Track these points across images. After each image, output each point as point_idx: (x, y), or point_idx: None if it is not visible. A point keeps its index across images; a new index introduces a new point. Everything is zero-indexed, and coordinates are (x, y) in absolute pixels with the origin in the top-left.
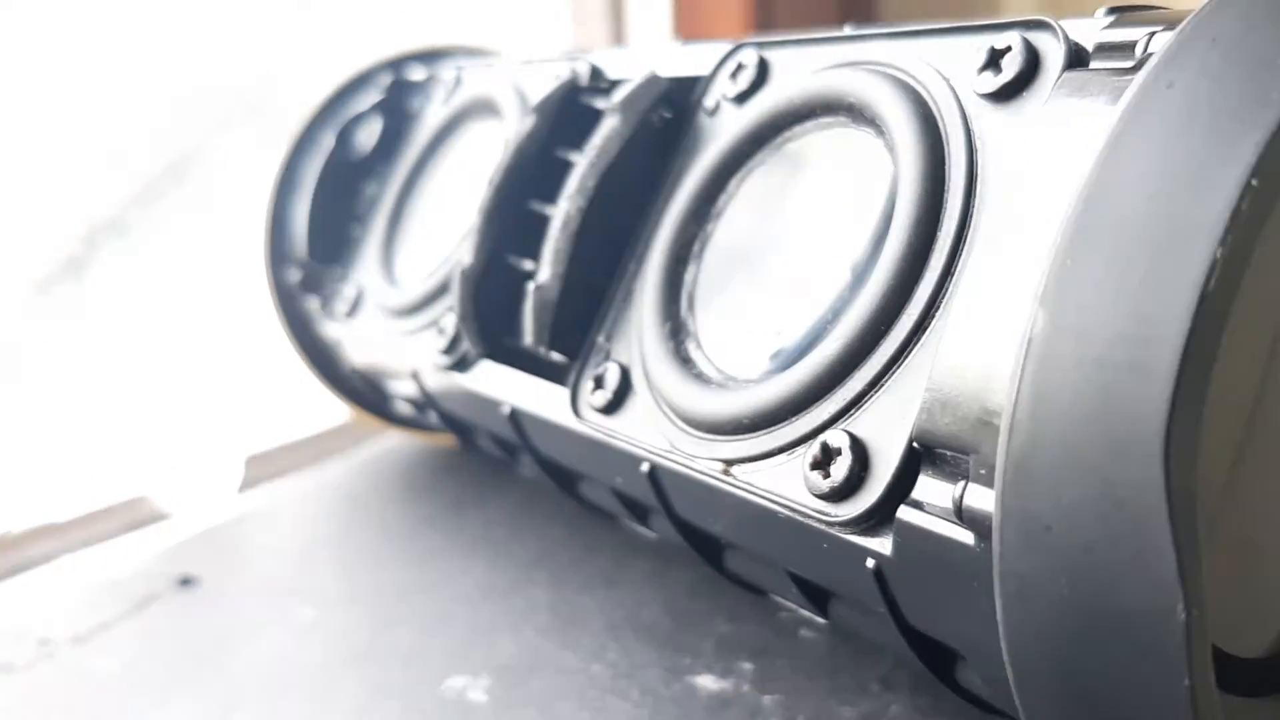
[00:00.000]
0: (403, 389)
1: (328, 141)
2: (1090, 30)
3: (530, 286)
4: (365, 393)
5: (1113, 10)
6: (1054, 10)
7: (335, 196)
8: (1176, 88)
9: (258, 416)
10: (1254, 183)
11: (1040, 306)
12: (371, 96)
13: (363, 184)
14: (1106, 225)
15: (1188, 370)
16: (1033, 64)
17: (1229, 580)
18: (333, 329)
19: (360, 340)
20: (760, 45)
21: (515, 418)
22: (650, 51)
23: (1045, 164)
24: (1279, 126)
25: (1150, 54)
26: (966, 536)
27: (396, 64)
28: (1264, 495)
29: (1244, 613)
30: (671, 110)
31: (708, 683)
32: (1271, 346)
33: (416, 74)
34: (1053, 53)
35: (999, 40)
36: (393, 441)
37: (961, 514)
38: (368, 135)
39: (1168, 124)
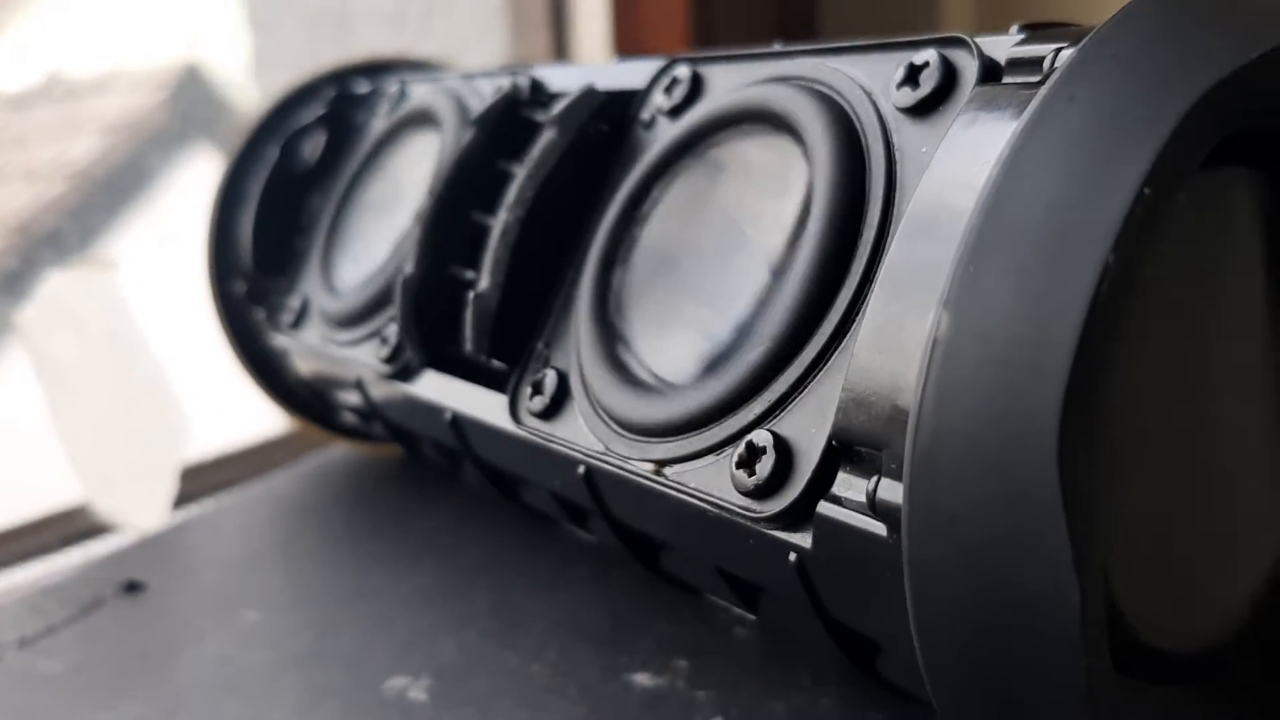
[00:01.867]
0: (347, 399)
1: (271, 154)
2: (1003, 47)
3: (470, 295)
4: (311, 404)
5: (1025, 27)
6: (991, 26)
7: (280, 209)
8: (1077, 100)
9: (199, 428)
10: (1146, 191)
11: (944, 310)
12: (315, 109)
13: (307, 196)
14: (1006, 232)
15: (1080, 371)
16: (949, 79)
17: (1159, 574)
18: (279, 340)
19: (305, 351)
20: (693, 61)
21: (457, 424)
22: (589, 67)
23: (955, 173)
24: (1172, 136)
25: (1056, 69)
26: (880, 529)
27: (340, 76)
28: (1203, 494)
29: (1180, 608)
30: (608, 123)
31: (643, 680)
32: (1197, 345)
33: (360, 87)
34: (968, 68)
35: (917, 57)
36: (338, 452)
37: (875, 507)
38: (312, 148)
39: (1067, 135)
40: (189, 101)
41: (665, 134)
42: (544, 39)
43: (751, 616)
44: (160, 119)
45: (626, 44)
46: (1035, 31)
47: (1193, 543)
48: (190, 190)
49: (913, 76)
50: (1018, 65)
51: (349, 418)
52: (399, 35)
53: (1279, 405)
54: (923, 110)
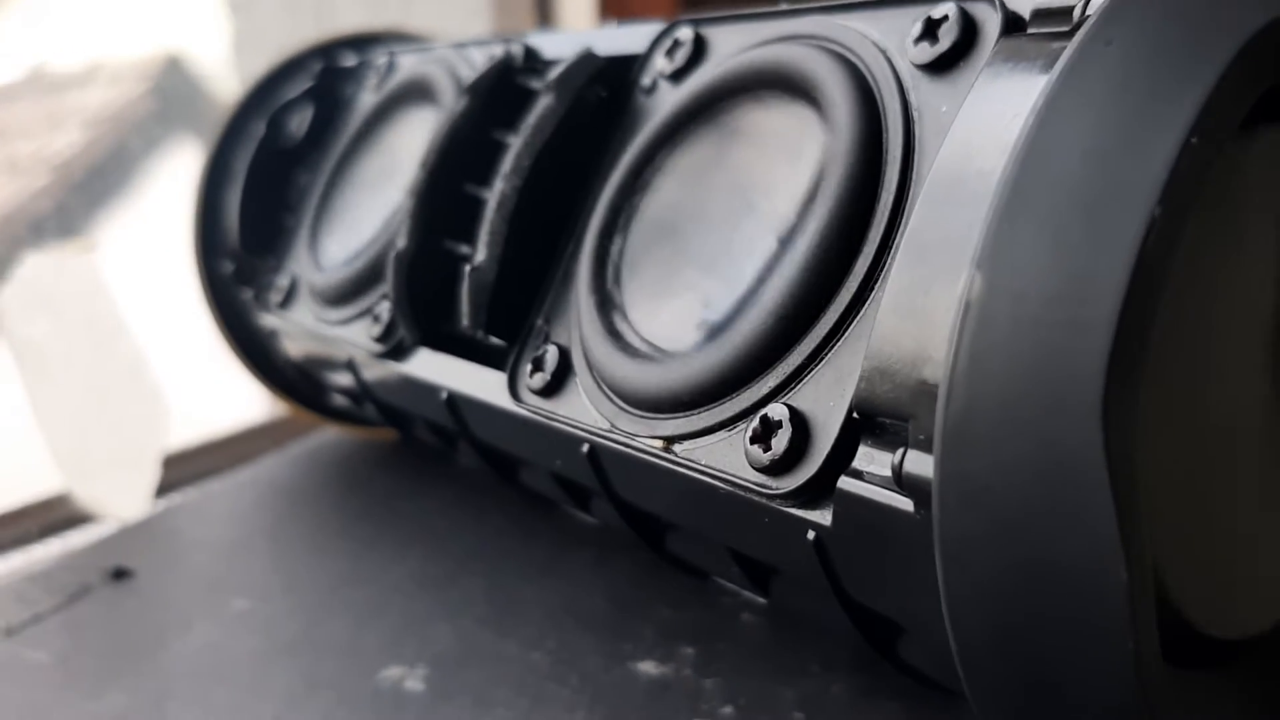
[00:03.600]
0: (338, 380)
1: (258, 129)
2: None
3: (466, 269)
4: (301, 387)
5: None
6: None
7: (267, 186)
8: (1115, 45)
9: (183, 416)
10: (1193, 141)
11: (977, 269)
12: (302, 83)
13: (295, 172)
14: (1043, 186)
15: (1126, 327)
16: (969, 33)
17: (1212, 560)
18: (267, 320)
19: (295, 331)
20: (696, 22)
21: (453, 403)
22: (585, 32)
23: (982, 130)
24: (1218, 84)
25: (1089, 16)
26: (906, 504)
27: (327, 50)
28: (1245, 467)
29: (1230, 594)
30: (607, 88)
31: (648, 668)
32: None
33: (348, 60)
34: (989, 21)
35: (935, 11)
36: (329, 436)
37: (901, 480)
38: (299, 122)
39: (1106, 82)
40: (171, 93)
41: (669, 99)
42: (528, 22)
43: (761, 600)
44: (143, 111)
45: (613, 14)
46: None
47: (1234, 518)
48: (174, 181)
49: (930, 31)
50: (1045, 16)
51: (339, 400)
52: (379, 18)
53: None
54: (941, 66)
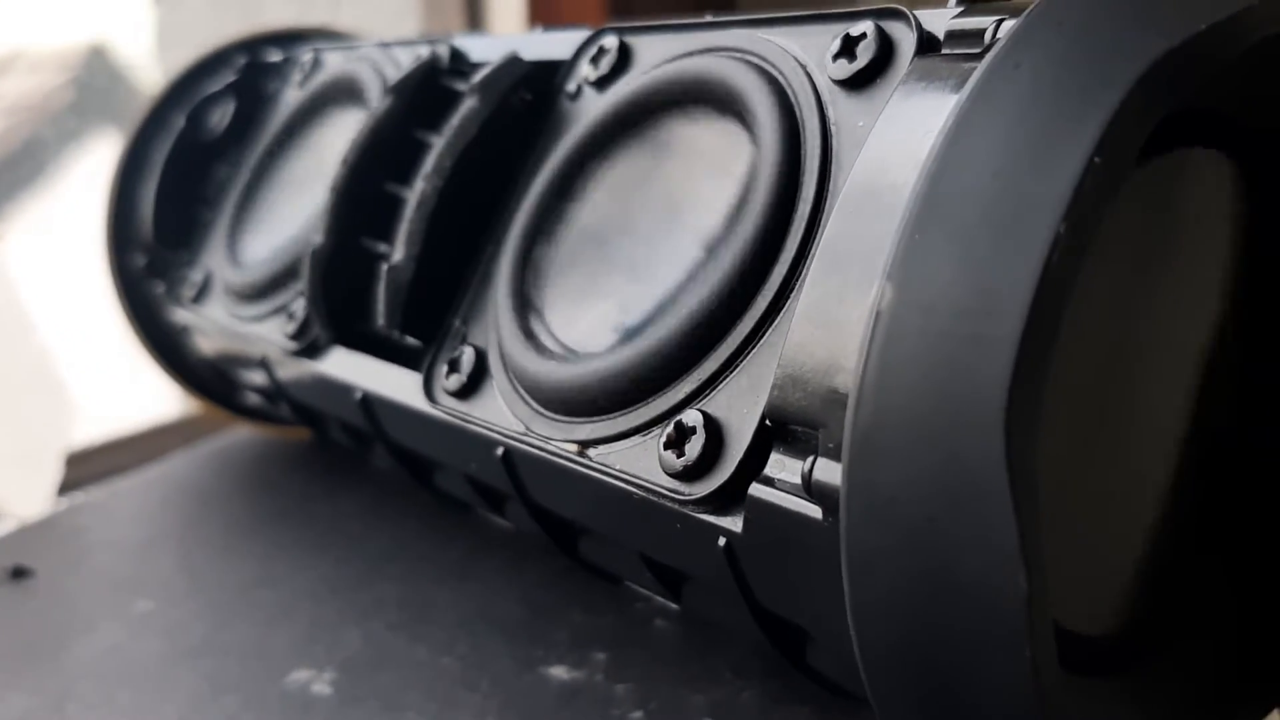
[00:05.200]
0: (252, 378)
1: (178, 122)
2: (942, 19)
3: (383, 268)
4: (213, 384)
5: (962, 1)
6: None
7: (184, 179)
8: (1023, 68)
9: (95, 412)
10: (1097, 160)
11: (888, 281)
12: (225, 77)
13: (214, 166)
14: (952, 201)
15: (1030, 343)
16: (886, 51)
17: (1070, 556)
18: (179, 315)
19: (208, 326)
20: (621, 31)
21: (367, 404)
22: (512, 37)
23: (895, 145)
24: (1121, 105)
25: (999, 40)
26: (815, 511)
27: (251, 45)
28: (1110, 472)
29: (1088, 589)
30: (532, 93)
31: (560, 673)
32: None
33: (272, 55)
34: (905, 40)
35: (854, 28)
36: (242, 435)
37: (810, 489)
38: (220, 117)
39: (1014, 102)
40: (93, 83)
41: (593, 106)
42: (457, 23)
43: (674, 607)
44: (62, 101)
45: (542, 19)
46: (974, 4)
47: (1106, 524)
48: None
49: (849, 49)
50: (958, 37)
51: (253, 398)
52: (306, 16)
53: (1201, 390)
54: (859, 83)
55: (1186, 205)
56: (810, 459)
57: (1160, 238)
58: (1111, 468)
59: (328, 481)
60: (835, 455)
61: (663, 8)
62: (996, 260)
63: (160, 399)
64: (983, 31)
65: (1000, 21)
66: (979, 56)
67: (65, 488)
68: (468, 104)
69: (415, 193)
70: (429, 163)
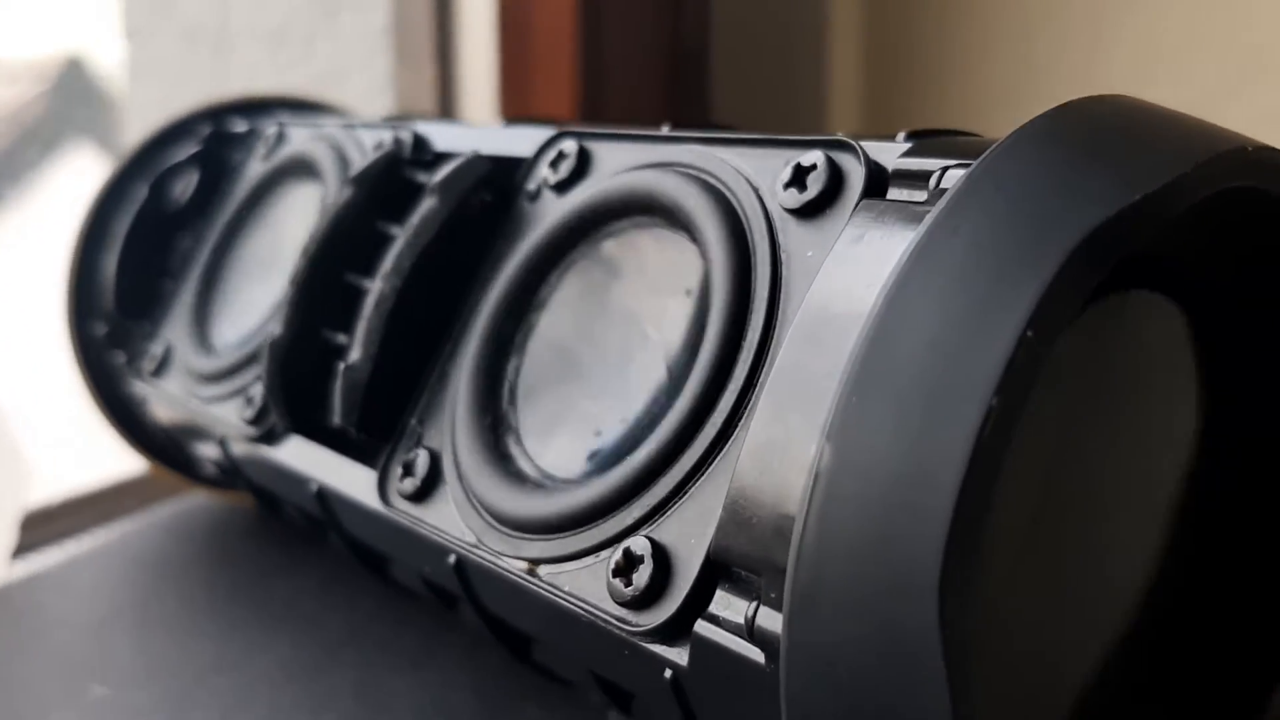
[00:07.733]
0: (209, 453)
1: (140, 192)
2: (890, 154)
3: (341, 366)
4: (171, 452)
5: (911, 135)
6: (875, 124)
7: (146, 249)
8: (960, 235)
9: (46, 470)
10: (1029, 334)
11: (827, 441)
12: (188, 147)
13: (176, 238)
14: (889, 367)
15: (962, 513)
16: (835, 183)
17: (1014, 703)
18: (139, 388)
19: (166, 401)
20: (580, 135)
21: (323, 497)
22: (474, 129)
23: (840, 292)
24: (1054, 279)
25: (943, 189)
26: (758, 655)
27: (215, 114)
28: (1037, 604)
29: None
30: (492, 193)
31: None
32: (1045, 474)
33: (237, 126)
34: (854, 173)
35: (805, 158)
36: (198, 500)
37: (753, 633)
38: (183, 188)
39: (950, 271)
40: (70, 96)
41: (552, 210)
42: (429, 71)
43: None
44: (38, 112)
45: (513, 80)
46: (921, 140)
47: (1055, 666)
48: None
49: (799, 178)
50: (904, 178)
51: (209, 468)
52: (279, 55)
53: (1152, 530)
54: (809, 213)
55: (1138, 341)
56: (753, 604)
57: (1113, 371)
58: (1061, 608)
59: (284, 555)
60: (776, 606)
61: (634, 103)
62: (930, 430)
63: (117, 457)
64: (928, 175)
65: (945, 169)
66: (925, 204)
67: (20, 550)
68: (427, 204)
69: (375, 291)
70: (388, 261)
